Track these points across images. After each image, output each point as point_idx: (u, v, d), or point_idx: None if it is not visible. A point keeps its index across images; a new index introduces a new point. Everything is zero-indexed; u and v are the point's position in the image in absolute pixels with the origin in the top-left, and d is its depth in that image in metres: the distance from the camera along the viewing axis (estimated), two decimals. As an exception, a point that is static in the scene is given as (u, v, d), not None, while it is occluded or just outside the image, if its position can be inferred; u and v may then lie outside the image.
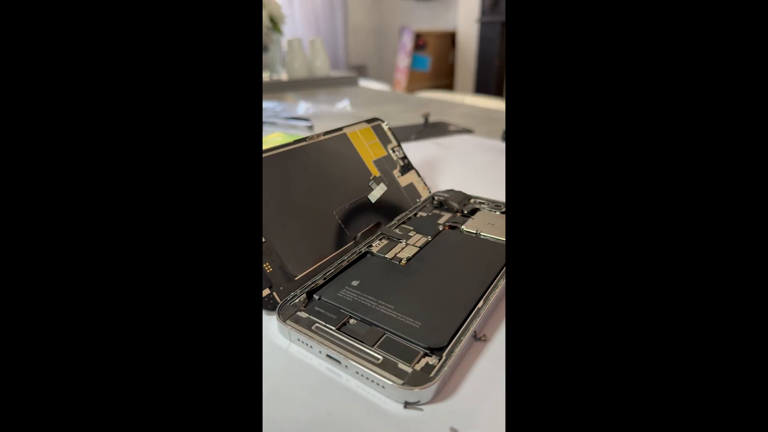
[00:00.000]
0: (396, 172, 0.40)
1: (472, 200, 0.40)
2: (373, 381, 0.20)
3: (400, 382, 0.19)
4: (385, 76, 3.21)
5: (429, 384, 0.19)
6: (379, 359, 0.21)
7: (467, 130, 0.72)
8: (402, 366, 0.20)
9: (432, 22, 3.00)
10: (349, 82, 1.35)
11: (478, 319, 0.23)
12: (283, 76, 1.33)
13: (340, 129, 0.37)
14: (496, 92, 2.43)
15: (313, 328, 0.23)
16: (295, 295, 0.26)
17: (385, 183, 0.38)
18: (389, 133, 0.42)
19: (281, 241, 0.27)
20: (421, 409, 0.19)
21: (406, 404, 0.19)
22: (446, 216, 0.36)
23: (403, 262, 0.29)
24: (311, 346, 0.22)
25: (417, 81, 2.78)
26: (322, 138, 0.35)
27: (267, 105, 0.95)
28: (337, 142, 0.36)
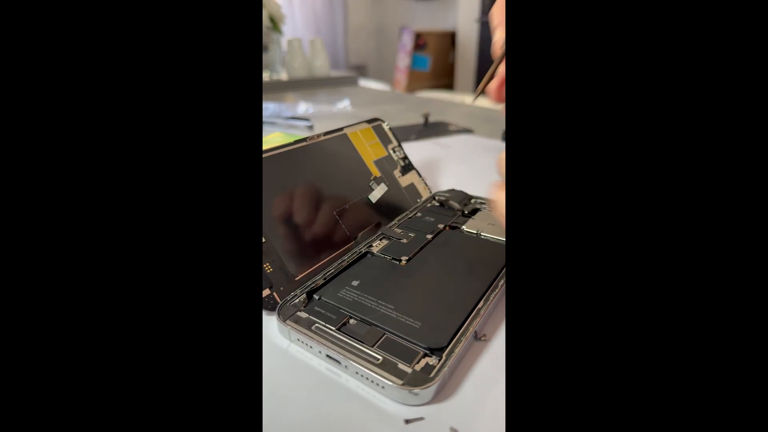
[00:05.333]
0: (396, 172, 0.40)
1: (472, 200, 0.40)
2: (372, 381, 0.20)
3: (400, 382, 0.19)
4: (385, 76, 3.21)
5: (429, 384, 0.19)
6: (378, 359, 0.21)
7: (467, 130, 0.72)
8: (402, 366, 0.20)
9: (432, 22, 3.00)
10: (349, 82, 1.35)
11: (478, 320, 0.23)
12: (283, 76, 1.33)
13: (341, 129, 0.37)
14: (496, 92, 2.42)
15: (312, 328, 0.23)
16: (295, 295, 0.26)
17: (385, 183, 0.38)
18: (390, 133, 0.42)
19: (281, 241, 0.27)
20: (422, 418, 0.19)
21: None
22: (447, 216, 0.36)
23: (404, 262, 0.29)
24: (311, 346, 0.22)
25: (417, 81, 2.78)
26: (323, 138, 0.35)
27: (267, 105, 0.95)
28: (337, 142, 0.36)
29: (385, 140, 0.41)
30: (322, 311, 0.24)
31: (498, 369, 0.22)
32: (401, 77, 2.79)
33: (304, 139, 0.34)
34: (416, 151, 0.60)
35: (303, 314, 0.24)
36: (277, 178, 0.30)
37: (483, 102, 1.15)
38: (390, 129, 0.43)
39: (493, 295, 0.25)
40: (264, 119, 0.77)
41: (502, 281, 0.26)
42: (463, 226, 0.34)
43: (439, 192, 0.41)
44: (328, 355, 0.21)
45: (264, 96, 1.09)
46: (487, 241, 0.32)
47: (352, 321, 0.23)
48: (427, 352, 0.21)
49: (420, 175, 0.42)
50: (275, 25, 1.22)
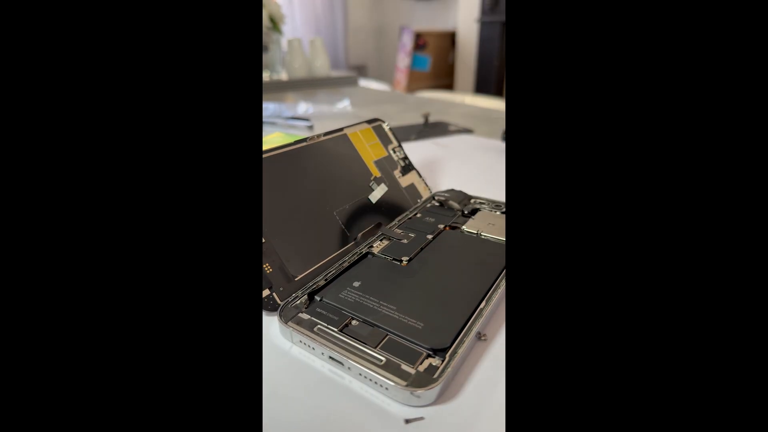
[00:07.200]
0: (397, 173, 0.40)
1: (472, 200, 0.39)
2: (376, 383, 0.20)
3: (404, 383, 0.19)
4: (385, 76, 3.21)
5: (433, 385, 0.19)
6: (381, 360, 0.20)
7: (467, 130, 0.72)
8: (405, 367, 0.20)
9: (432, 22, 3.00)
10: (349, 82, 1.35)
11: (480, 320, 0.23)
12: (283, 76, 1.33)
13: (341, 129, 0.37)
14: (496, 92, 2.43)
15: (315, 329, 0.23)
16: (297, 296, 0.26)
17: (385, 183, 0.37)
18: (390, 134, 0.42)
19: (281, 241, 0.27)
20: (422, 418, 0.19)
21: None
22: (447, 216, 0.36)
23: (404, 262, 0.29)
24: (313, 348, 0.22)
25: (417, 81, 2.78)
26: (323, 138, 0.35)
27: (267, 105, 0.95)
28: (337, 142, 0.36)
29: (385, 140, 0.41)
30: (324, 312, 0.24)
31: (499, 370, 0.21)
32: (401, 77, 2.79)
33: (304, 140, 0.34)
34: (416, 151, 0.60)
35: (305, 316, 0.24)
36: (277, 179, 0.30)
37: (483, 102, 1.15)
38: (390, 129, 0.42)
39: (495, 296, 0.25)
40: (264, 119, 0.77)
41: (503, 281, 0.26)
42: (463, 226, 0.34)
43: (439, 192, 0.41)
44: (330, 357, 0.21)
45: (264, 96, 1.09)
46: (487, 241, 0.32)
47: (354, 322, 0.23)
48: (431, 353, 0.21)
49: (420, 176, 0.42)
50: (275, 25, 1.22)
